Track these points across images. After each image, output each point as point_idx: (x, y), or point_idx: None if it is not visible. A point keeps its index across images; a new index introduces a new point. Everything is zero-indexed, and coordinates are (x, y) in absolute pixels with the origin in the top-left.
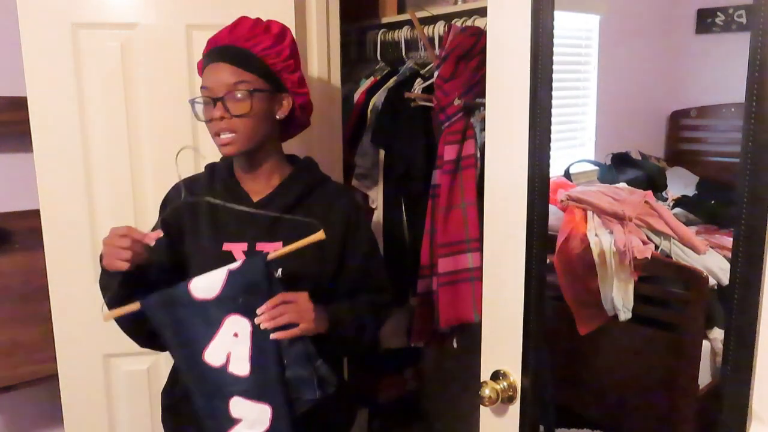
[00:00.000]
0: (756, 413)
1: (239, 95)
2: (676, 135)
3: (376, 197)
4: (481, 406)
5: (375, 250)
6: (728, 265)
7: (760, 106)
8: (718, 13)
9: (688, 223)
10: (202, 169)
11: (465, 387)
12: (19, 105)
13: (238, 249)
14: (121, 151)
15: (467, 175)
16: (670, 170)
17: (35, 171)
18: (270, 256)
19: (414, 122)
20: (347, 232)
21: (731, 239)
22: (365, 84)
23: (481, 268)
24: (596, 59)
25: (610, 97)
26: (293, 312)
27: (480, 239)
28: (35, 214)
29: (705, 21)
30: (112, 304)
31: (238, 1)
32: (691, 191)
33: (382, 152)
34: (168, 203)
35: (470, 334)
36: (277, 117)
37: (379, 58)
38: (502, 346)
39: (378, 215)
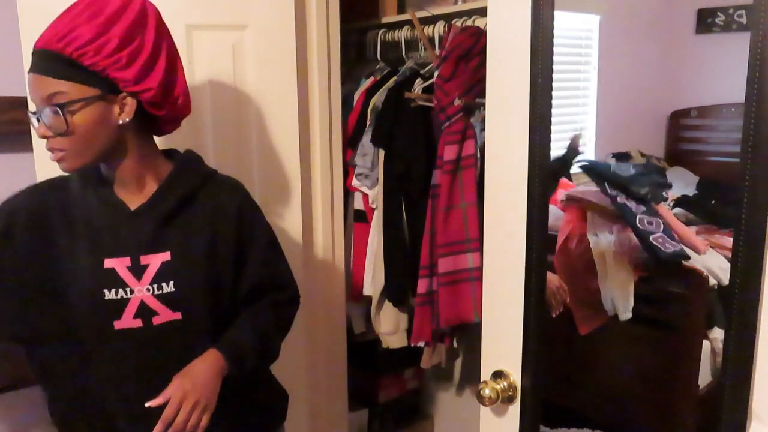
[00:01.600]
0: (756, 413)
1: (51, 111)
2: (676, 135)
3: (376, 197)
4: (481, 406)
5: (274, 243)
6: (728, 265)
7: (760, 106)
8: (719, 13)
9: (688, 223)
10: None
11: (465, 387)
12: (19, 105)
13: (121, 264)
14: None
15: (467, 175)
16: (670, 170)
17: (35, 171)
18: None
19: (414, 122)
20: (241, 229)
21: (731, 239)
22: (365, 84)
23: (481, 268)
24: (596, 59)
25: (610, 97)
26: (191, 410)
27: (480, 239)
28: None
29: (705, 21)
30: None
31: (239, 1)
32: (691, 191)
33: (382, 152)
34: (17, 211)
35: (470, 334)
36: (120, 122)
37: (379, 58)
38: (502, 346)
39: (378, 215)
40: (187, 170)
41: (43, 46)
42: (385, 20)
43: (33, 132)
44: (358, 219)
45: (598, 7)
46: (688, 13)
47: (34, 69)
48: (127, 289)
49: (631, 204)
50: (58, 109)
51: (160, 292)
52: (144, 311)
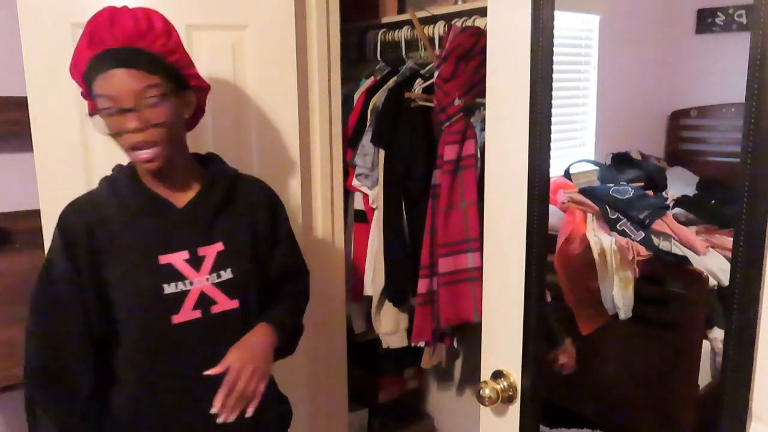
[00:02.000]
0: (756, 413)
1: (153, 102)
2: (676, 135)
3: (377, 197)
4: (481, 406)
5: (292, 234)
6: (728, 266)
7: (760, 106)
8: (718, 13)
9: (688, 223)
10: None
11: (465, 387)
12: (19, 105)
13: (178, 258)
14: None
15: (467, 175)
16: (670, 170)
17: (35, 171)
18: None
19: (414, 122)
20: (272, 219)
21: (731, 239)
22: (365, 84)
23: (481, 268)
24: (596, 59)
25: (610, 97)
26: (250, 377)
27: (480, 239)
28: (35, 214)
29: (705, 21)
30: None
31: (239, 1)
32: (691, 191)
33: (382, 152)
34: (72, 234)
35: (470, 334)
36: (186, 117)
37: (379, 58)
38: (502, 346)
39: (378, 215)
40: (222, 168)
41: (125, 44)
42: (385, 20)
43: (33, 132)
44: (358, 219)
45: (598, 7)
46: (688, 13)
47: (123, 65)
48: (186, 281)
49: (631, 230)
50: (159, 99)
51: (220, 279)
52: (203, 301)
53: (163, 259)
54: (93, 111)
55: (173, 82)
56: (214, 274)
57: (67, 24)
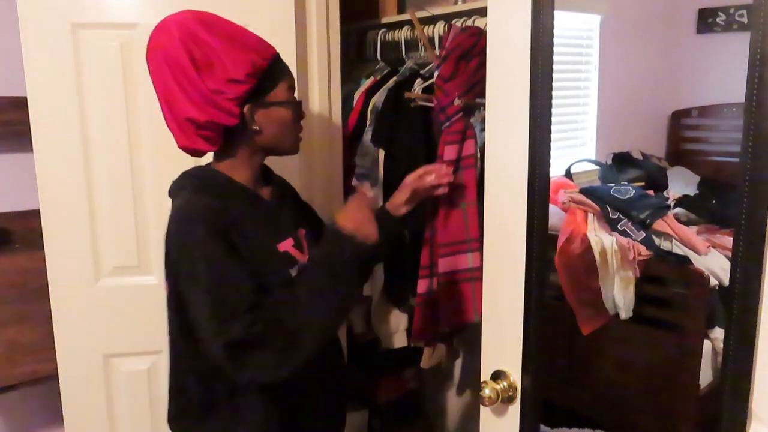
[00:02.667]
0: (756, 413)
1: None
2: (677, 135)
3: (377, 197)
4: (481, 406)
5: None
6: (729, 265)
7: (761, 106)
8: (719, 13)
9: (689, 223)
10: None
11: (465, 387)
12: (19, 105)
13: (288, 245)
14: (121, 151)
15: (467, 175)
16: (671, 170)
17: (35, 171)
18: None
19: (414, 122)
20: (307, 204)
21: (732, 239)
22: (365, 84)
23: (481, 268)
24: (596, 59)
25: (611, 97)
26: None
27: (480, 239)
28: (35, 214)
29: (706, 21)
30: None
31: (239, 1)
32: (692, 191)
33: (382, 152)
34: (219, 218)
35: (470, 334)
36: None
37: (379, 58)
38: (502, 346)
39: None
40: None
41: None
42: (385, 20)
43: (33, 132)
44: None
45: (598, 7)
46: (689, 13)
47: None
48: (296, 266)
49: (632, 230)
50: None
51: None
52: None
53: (280, 246)
54: (275, 100)
55: None
56: (307, 255)
57: (67, 24)
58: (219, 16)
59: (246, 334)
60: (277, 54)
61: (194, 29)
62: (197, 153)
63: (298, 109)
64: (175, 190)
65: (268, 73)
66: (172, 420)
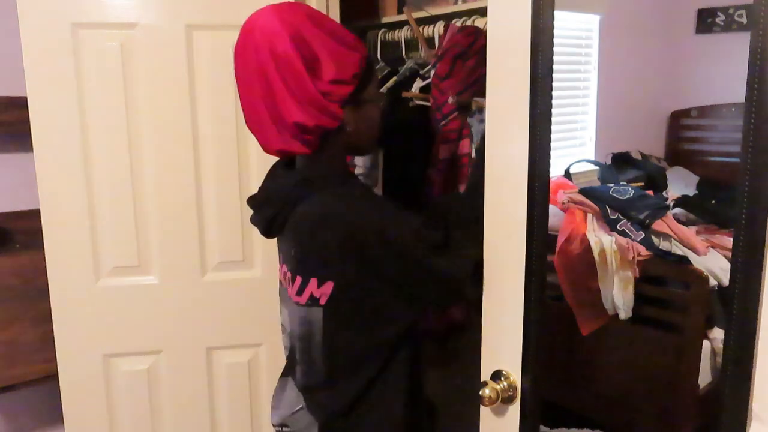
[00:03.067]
0: (756, 413)
1: None
2: (676, 135)
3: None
4: (481, 406)
5: None
6: (729, 265)
7: (761, 106)
8: (719, 13)
9: (688, 223)
10: (203, 169)
11: (465, 386)
12: (19, 105)
13: None
14: (121, 151)
15: (462, 174)
16: (671, 170)
17: (35, 171)
18: None
19: (413, 122)
20: None
21: (732, 239)
22: None
23: None
24: (596, 59)
25: (610, 97)
26: None
27: None
28: (35, 214)
29: (705, 21)
30: None
31: (239, 1)
32: (691, 191)
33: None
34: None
35: (471, 333)
36: None
37: (379, 58)
38: (502, 346)
39: None
40: None
41: None
42: (385, 20)
43: (33, 132)
44: None
45: (598, 7)
46: (688, 13)
47: None
48: None
49: (631, 230)
50: None
51: None
52: None
53: None
54: (369, 98)
55: None
56: None
57: (67, 24)
58: (317, 10)
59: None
60: (371, 62)
61: (304, 27)
62: (287, 156)
63: (382, 106)
64: (303, 192)
65: (368, 70)
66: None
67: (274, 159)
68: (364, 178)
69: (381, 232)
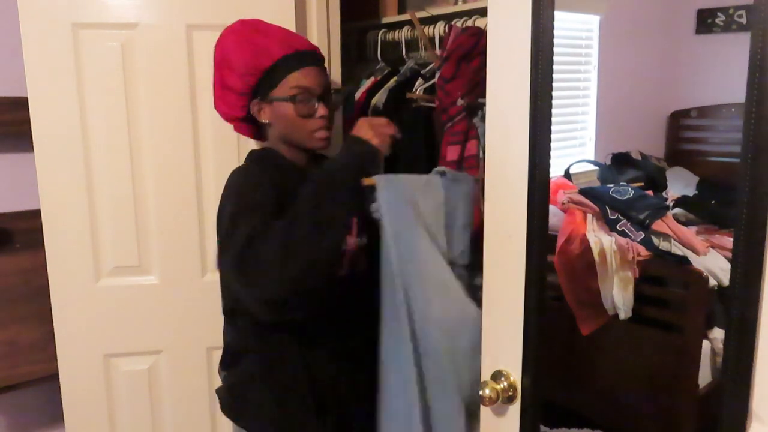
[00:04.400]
0: (756, 413)
1: (331, 95)
2: (676, 135)
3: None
4: (481, 406)
5: None
6: (729, 266)
7: (761, 106)
8: (718, 14)
9: (688, 223)
10: (203, 169)
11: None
12: (19, 105)
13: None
14: (122, 151)
15: (470, 175)
16: (670, 170)
17: (35, 171)
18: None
19: (415, 123)
20: None
21: (731, 239)
22: (366, 84)
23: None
24: (596, 59)
25: (610, 97)
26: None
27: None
28: (35, 214)
29: (705, 21)
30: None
31: (239, 0)
32: (691, 191)
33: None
34: (270, 179)
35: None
36: None
37: (379, 58)
38: (502, 346)
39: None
40: None
41: (312, 49)
42: (385, 20)
43: (33, 132)
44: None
45: (598, 7)
46: (688, 14)
47: (315, 64)
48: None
49: (630, 230)
50: (337, 92)
51: (363, 243)
52: (352, 260)
53: None
54: (283, 97)
55: None
56: (360, 239)
57: (67, 24)
58: (266, 22)
59: (242, 245)
60: (294, 53)
61: (226, 32)
62: (253, 136)
63: (301, 106)
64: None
65: (272, 70)
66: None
67: None
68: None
69: (224, 197)
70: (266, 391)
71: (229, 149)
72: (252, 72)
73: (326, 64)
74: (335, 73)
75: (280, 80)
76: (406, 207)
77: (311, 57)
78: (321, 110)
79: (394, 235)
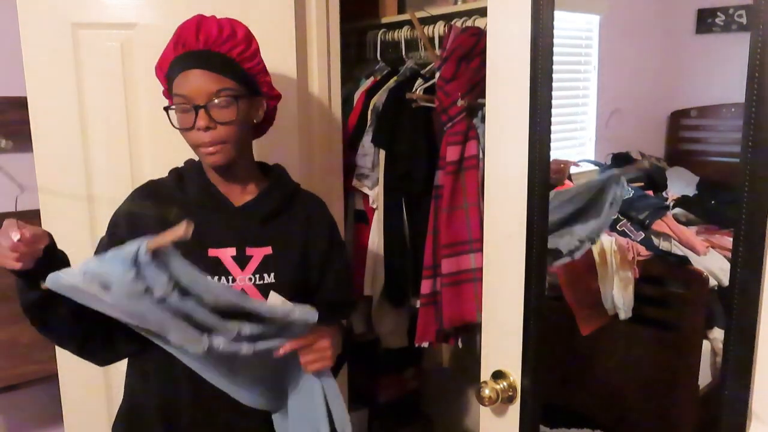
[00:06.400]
0: (756, 413)
1: (224, 102)
2: (676, 135)
3: (377, 198)
4: (481, 406)
5: (349, 261)
6: (729, 266)
7: (760, 106)
8: (718, 13)
9: (688, 223)
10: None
11: (465, 387)
12: (19, 105)
13: (226, 254)
14: (121, 151)
15: (470, 175)
16: (670, 170)
17: (35, 171)
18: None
19: (415, 123)
20: (330, 247)
21: (731, 239)
22: (365, 84)
23: None
24: (596, 59)
25: (610, 97)
26: (324, 349)
27: (482, 240)
28: (35, 214)
29: (705, 21)
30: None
31: (238, 1)
32: (691, 191)
33: (382, 152)
34: (119, 217)
35: (473, 334)
36: (255, 122)
37: (379, 58)
38: (502, 346)
39: (378, 216)
40: (285, 177)
41: (207, 47)
42: (385, 20)
43: (33, 132)
44: (358, 219)
45: (598, 7)
46: (688, 13)
47: (201, 66)
48: (230, 278)
49: (631, 230)
50: (232, 100)
51: (261, 282)
52: None
53: (212, 252)
54: (167, 106)
55: (246, 87)
56: (257, 276)
57: (67, 24)
58: (200, 16)
59: None
60: (182, 54)
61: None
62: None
63: (180, 116)
64: None
65: (167, 77)
66: None
67: (272, 158)
68: (365, 179)
69: None
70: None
71: None
72: (161, 79)
73: (326, 64)
74: (335, 73)
75: (171, 88)
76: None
77: (196, 58)
78: (200, 121)
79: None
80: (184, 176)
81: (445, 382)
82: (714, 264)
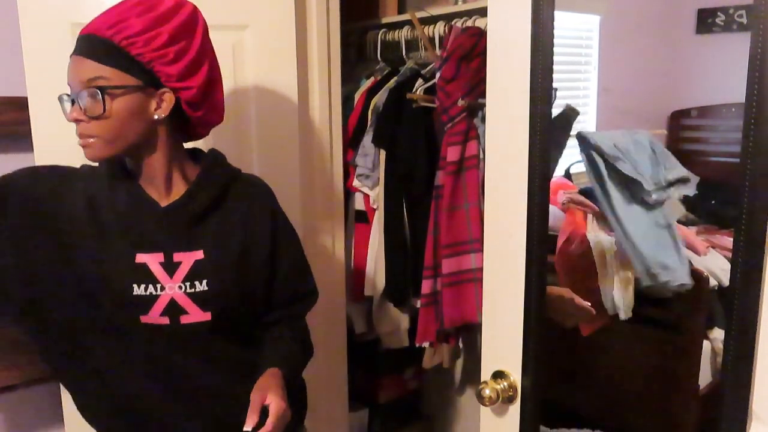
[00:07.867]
0: (756, 413)
1: (90, 93)
2: (676, 135)
3: (378, 198)
4: (481, 406)
5: (302, 254)
6: (729, 266)
7: (761, 106)
8: (719, 13)
9: (688, 223)
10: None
11: (465, 387)
12: (19, 105)
13: (153, 260)
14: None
15: (470, 175)
16: None
17: None
18: None
19: (415, 123)
20: (274, 241)
21: (732, 239)
22: (366, 84)
23: None
24: (596, 59)
25: (610, 97)
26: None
27: (483, 240)
28: None
29: (705, 21)
30: None
31: (239, 1)
32: (691, 191)
33: (383, 152)
34: (44, 180)
35: (474, 334)
36: (155, 117)
37: (379, 58)
38: (502, 346)
39: (379, 216)
40: (215, 170)
41: (92, 31)
42: (385, 20)
43: (33, 132)
44: (358, 219)
45: (598, 7)
46: (689, 13)
47: (78, 51)
48: (158, 286)
49: None
50: (98, 92)
51: (193, 290)
52: (172, 309)
53: (140, 258)
54: (61, 96)
55: (138, 78)
56: (188, 284)
57: (67, 24)
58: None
59: None
60: (86, 34)
61: None
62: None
63: (65, 108)
64: None
65: None
66: None
67: (273, 158)
68: (365, 179)
69: None
70: None
71: (228, 149)
72: None
73: (326, 64)
74: (335, 73)
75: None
76: None
77: (79, 42)
78: (71, 114)
79: None
80: (115, 172)
81: (445, 382)
82: (714, 264)
